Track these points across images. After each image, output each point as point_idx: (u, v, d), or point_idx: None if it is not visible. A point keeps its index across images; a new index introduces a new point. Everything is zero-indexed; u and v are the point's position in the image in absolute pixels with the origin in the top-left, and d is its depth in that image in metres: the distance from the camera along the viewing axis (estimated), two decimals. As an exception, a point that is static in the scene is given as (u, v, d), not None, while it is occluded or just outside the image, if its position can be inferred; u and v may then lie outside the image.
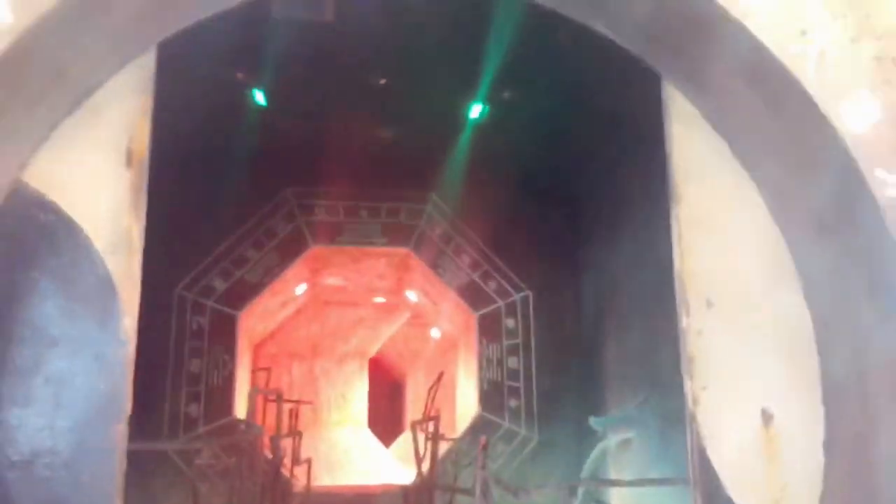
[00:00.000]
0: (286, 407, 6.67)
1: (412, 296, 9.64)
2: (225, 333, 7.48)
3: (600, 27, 2.79)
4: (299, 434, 6.69)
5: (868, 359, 2.49)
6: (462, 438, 7.90)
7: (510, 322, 8.25)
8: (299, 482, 6.75)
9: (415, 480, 7.21)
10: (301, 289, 9.08)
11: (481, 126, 7.04)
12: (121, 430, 2.23)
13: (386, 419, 12.67)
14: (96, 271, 2.31)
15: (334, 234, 8.02)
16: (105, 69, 2.40)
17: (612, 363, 7.22)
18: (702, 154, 2.83)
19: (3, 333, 2.20)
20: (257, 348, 9.55)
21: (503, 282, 8.23)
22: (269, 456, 5.76)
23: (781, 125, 2.56)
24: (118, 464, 2.19)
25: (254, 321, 8.40)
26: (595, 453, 6.49)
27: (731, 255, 2.76)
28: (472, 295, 8.23)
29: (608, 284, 7.18)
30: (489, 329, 8.32)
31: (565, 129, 6.43)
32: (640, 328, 6.20)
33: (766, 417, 2.66)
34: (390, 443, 11.78)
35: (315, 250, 7.99)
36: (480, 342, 8.35)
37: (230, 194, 6.98)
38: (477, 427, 8.16)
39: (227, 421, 6.99)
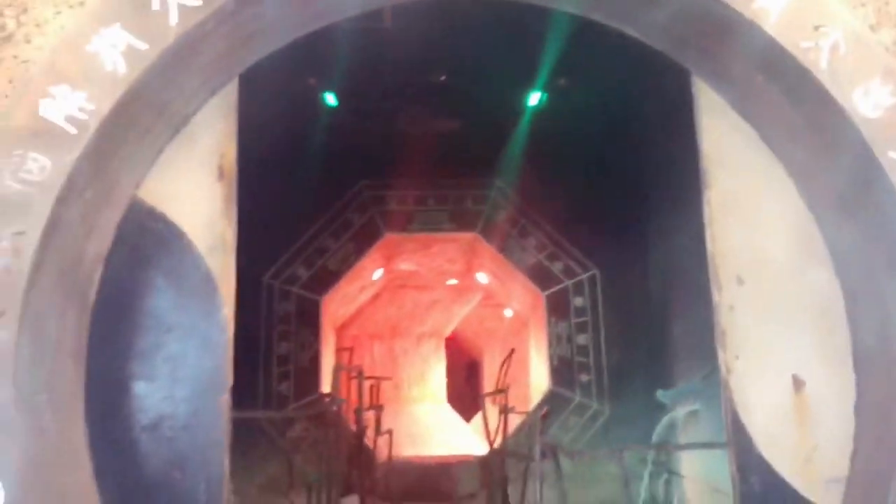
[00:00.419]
0: (367, 383, 7.17)
1: (482, 278, 10.00)
2: (310, 317, 8.09)
3: (631, 32, 3.02)
4: (380, 407, 7.20)
5: (893, 329, 2.66)
6: (534, 412, 8.23)
7: (578, 300, 8.46)
8: (382, 452, 7.28)
9: (489, 450, 7.62)
10: (377, 274, 9.60)
11: (541, 112, 7.27)
12: (225, 399, 2.70)
13: (464, 395, 13.14)
14: (199, 269, 2.79)
15: (405, 223, 8.46)
16: (197, 101, 2.85)
17: (679, 338, 7.33)
18: (730, 141, 3.03)
19: (130, 322, 2.71)
20: (340, 330, 10.18)
21: (570, 261, 8.44)
22: (354, 428, 6.28)
23: (801, 113, 2.73)
24: (225, 427, 2.67)
25: (335, 306, 8.99)
26: (663, 424, 6.68)
27: (759, 235, 2.96)
28: (540, 275, 8.49)
29: (673, 262, 7.29)
30: (558, 307, 8.57)
31: (621, 115, 6.57)
32: (704, 303, 6.31)
33: (798, 384, 2.87)
34: (470, 418, 12.26)
35: (388, 238, 8.46)
36: (549, 320, 8.62)
37: (308, 190, 7.50)
38: (548, 401, 8.48)
39: (315, 397, 7.60)
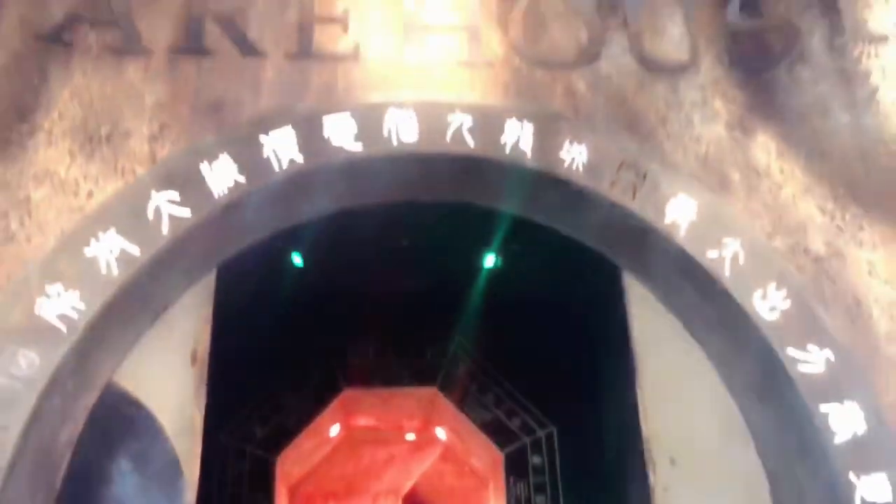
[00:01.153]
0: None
1: (441, 433, 9.98)
2: (263, 478, 7.89)
3: (567, 232, 3.48)
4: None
5: (809, 508, 2.91)
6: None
7: (536, 459, 8.49)
8: None
9: None
10: (335, 430, 9.51)
11: (496, 273, 7.75)
12: None
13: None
14: (166, 454, 2.92)
15: (365, 377, 8.57)
16: (178, 291, 3.13)
17: (637, 498, 7.38)
18: (658, 330, 3.41)
19: None
20: (293, 489, 9.86)
21: (527, 417, 8.57)
22: None
23: (713, 310, 3.15)
24: None
25: (290, 464, 8.81)
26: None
27: (688, 418, 3.26)
28: (499, 432, 8.56)
29: (625, 422, 7.50)
30: (516, 466, 8.56)
31: (572, 277, 7.06)
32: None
33: None
34: (428, 584, 11.60)
35: (347, 393, 8.51)
36: (508, 480, 8.59)
37: (268, 347, 7.64)
38: (510, 567, 8.22)
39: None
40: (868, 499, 2.69)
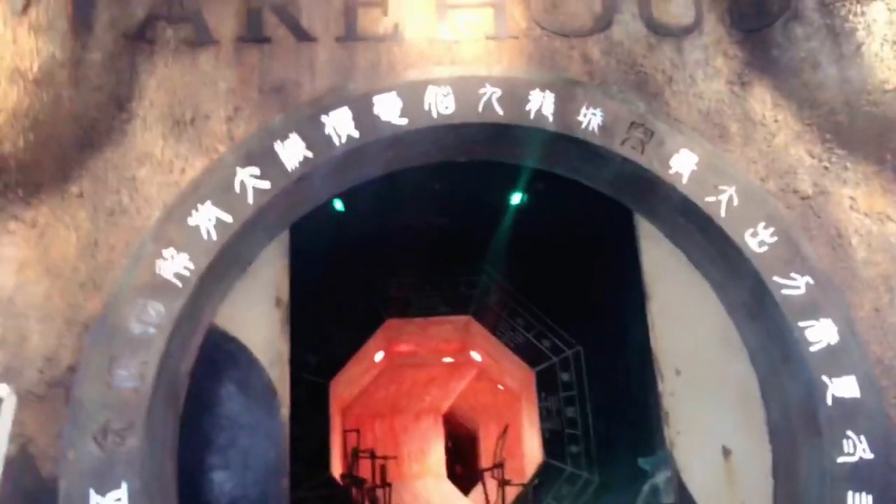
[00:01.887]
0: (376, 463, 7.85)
1: (476, 356, 10.79)
2: (319, 401, 8.80)
3: (584, 182, 4.00)
4: (389, 485, 7.85)
5: (790, 408, 3.52)
6: (529, 483, 8.87)
7: (565, 376, 9.25)
8: (391, 527, 7.88)
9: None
10: (379, 356, 10.37)
11: (523, 210, 8.27)
12: (285, 482, 3.49)
13: (465, 469, 13.66)
14: (262, 380, 3.62)
15: (405, 308, 9.31)
16: (260, 247, 3.75)
17: (655, 408, 8.10)
18: (665, 262, 3.96)
19: (212, 423, 3.52)
20: (345, 410, 10.84)
21: (556, 340, 9.28)
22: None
23: (712, 245, 3.68)
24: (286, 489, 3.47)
25: (341, 388, 9.71)
26: (645, 491, 7.37)
27: (691, 335, 3.84)
28: (530, 353, 9.31)
29: (645, 340, 8.13)
30: (547, 383, 9.34)
31: (593, 213, 7.56)
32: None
33: (726, 452, 3.69)
34: (469, 491, 12.75)
35: (389, 323, 9.29)
36: (539, 395, 9.39)
37: (319, 286, 8.37)
38: (542, 472, 9.14)
39: (326, 477, 8.23)
40: (838, 395, 3.28)
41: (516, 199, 8.31)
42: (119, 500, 2.93)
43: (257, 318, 3.72)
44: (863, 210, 3.70)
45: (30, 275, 3.34)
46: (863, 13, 3.69)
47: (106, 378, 3.10)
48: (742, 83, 3.87)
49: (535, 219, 8.32)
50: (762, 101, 3.85)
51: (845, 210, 3.71)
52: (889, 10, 3.67)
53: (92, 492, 2.94)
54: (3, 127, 3.30)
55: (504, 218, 8.60)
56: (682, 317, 3.86)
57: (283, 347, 3.69)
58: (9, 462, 2.99)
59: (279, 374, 3.64)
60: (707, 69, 3.89)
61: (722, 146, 3.76)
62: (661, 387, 3.77)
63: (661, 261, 3.95)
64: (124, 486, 2.95)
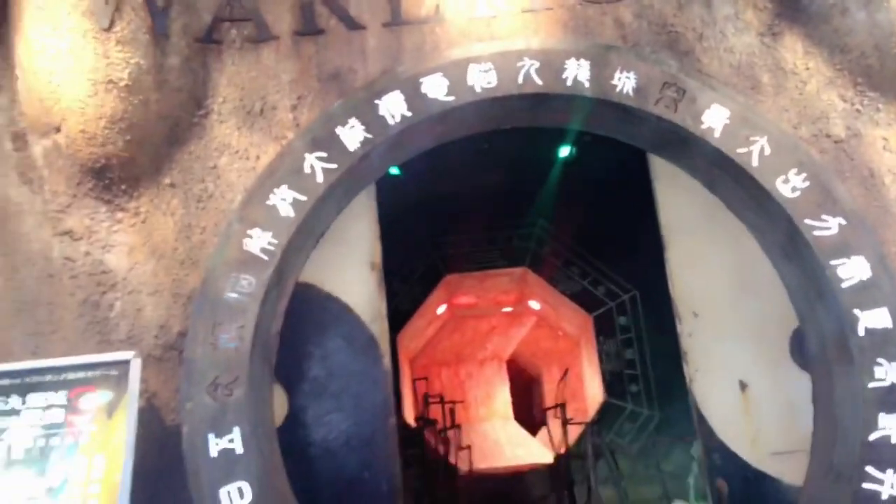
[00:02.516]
0: (446, 407, 8.43)
1: (535, 304, 11.18)
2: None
3: (624, 140, 4.25)
4: (459, 427, 8.44)
5: (826, 340, 3.77)
6: (592, 422, 9.31)
7: (622, 319, 9.54)
8: (463, 466, 8.50)
9: (555, 457, 8.73)
10: (441, 309, 10.90)
11: (572, 163, 8.48)
12: (393, 421, 4.04)
13: (530, 411, 14.25)
14: (365, 334, 4.13)
15: (463, 263, 9.74)
16: (330, 220, 4.19)
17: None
18: (681, 214, 4.23)
19: (326, 373, 4.06)
20: (412, 361, 11.50)
21: (611, 285, 9.56)
22: (439, 446, 7.54)
23: (746, 193, 3.90)
24: (394, 440, 3.99)
25: (408, 340, 10.32)
26: (695, 470, 7.64)
27: (707, 280, 4.12)
28: (586, 299, 9.62)
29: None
30: (605, 327, 9.66)
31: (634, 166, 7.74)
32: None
33: (743, 386, 4.00)
34: (535, 432, 13.34)
35: (449, 278, 9.75)
36: (598, 339, 9.74)
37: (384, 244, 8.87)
38: (604, 411, 9.55)
39: (400, 421, 8.89)
40: (870, 326, 3.52)
41: (564, 152, 8.54)
42: (233, 440, 3.49)
43: (357, 281, 4.23)
44: (895, 149, 3.84)
45: (138, 256, 3.89)
46: (892, -45, 3.75)
47: (211, 340, 3.63)
48: (773, 34, 4.02)
49: (584, 171, 8.53)
50: (793, 50, 4.00)
51: (878, 150, 3.86)
52: (918, -49, 3.72)
53: (211, 436, 3.50)
54: (104, 131, 3.80)
55: (552, 172, 8.85)
56: (698, 264, 4.15)
57: (381, 305, 4.19)
58: (139, 413, 3.57)
59: (379, 329, 4.15)
60: (737, 23, 4.04)
61: (754, 97, 3.95)
62: (679, 328, 4.07)
63: (676, 212, 4.24)
64: (236, 429, 3.51)
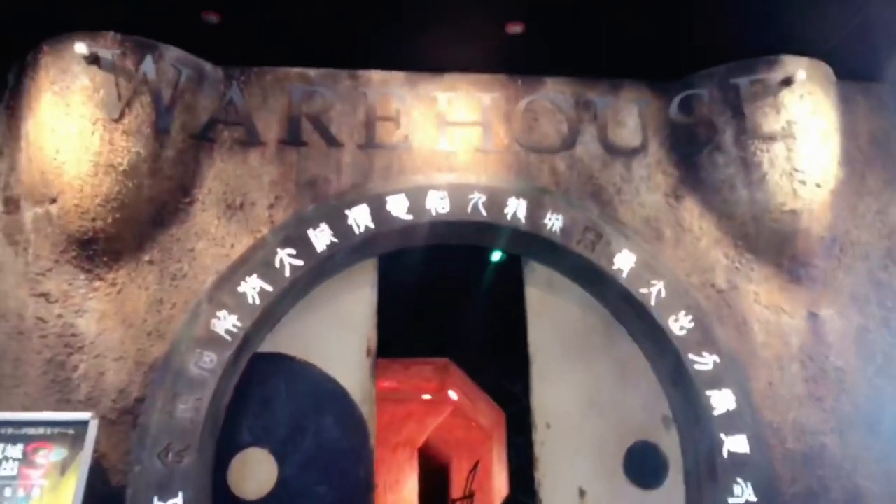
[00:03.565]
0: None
1: (453, 394, 11.67)
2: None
3: (549, 267, 4.98)
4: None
5: (699, 457, 4.47)
6: (495, 514, 9.67)
7: (533, 417, 10.10)
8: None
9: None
10: (364, 391, 11.18)
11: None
12: (372, 496, 4.34)
13: (435, 499, 14.40)
14: (356, 415, 4.48)
15: (390, 349, 10.17)
16: (290, 307, 4.67)
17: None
18: (545, 335, 4.82)
19: (317, 447, 4.35)
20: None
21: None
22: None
23: (645, 325, 4.66)
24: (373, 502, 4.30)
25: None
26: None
27: (561, 396, 4.71)
28: (501, 395, 10.19)
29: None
30: (518, 423, 10.20)
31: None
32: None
33: (582, 493, 4.58)
34: (439, 522, 13.47)
35: (379, 361, 10.12)
36: (508, 435, 10.26)
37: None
38: (508, 505, 9.93)
39: None
40: (732, 450, 4.25)
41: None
42: (176, 505, 3.80)
43: (352, 365, 4.61)
44: (763, 303, 4.73)
45: (108, 323, 4.24)
46: (767, 150, 4.75)
47: (169, 409, 3.99)
48: (676, 196, 4.92)
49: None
50: (691, 211, 4.90)
51: (750, 302, 4.73)
52: (787, 149, 4.73)
53: (155, 498, 3.80)
54: (97, 208, 4.23)
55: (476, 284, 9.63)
56: (555, 381, 4.74)
57: (371, 388, 4.56)
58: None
59: (369, 411, 4.52)
60: (649, 183, 4.93)
61: (658, 247, 4.78)
62: (534, 437, 4.62)
63: (541, 334, 4.84)
64: (180, 494, 3.83)
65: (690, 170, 4.96)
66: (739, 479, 4.17)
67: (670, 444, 4.62)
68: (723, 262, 4.81)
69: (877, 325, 4.77)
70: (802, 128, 4.74)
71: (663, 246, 4.80)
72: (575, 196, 4.81)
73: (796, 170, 4.70)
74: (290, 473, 4.33)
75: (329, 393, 4.50)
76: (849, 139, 5.03)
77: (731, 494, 4.15)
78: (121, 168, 4.26)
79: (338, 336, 4.61)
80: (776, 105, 4.77)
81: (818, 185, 4.74)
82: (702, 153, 4.93)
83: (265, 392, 4.46)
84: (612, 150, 4.97)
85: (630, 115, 5.06)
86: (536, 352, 4.75)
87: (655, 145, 5.02)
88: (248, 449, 4.36)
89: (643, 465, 4.57)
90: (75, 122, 4.21)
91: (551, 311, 4.85)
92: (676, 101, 5.02)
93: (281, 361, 4.52)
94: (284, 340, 4.58)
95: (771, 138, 4.75)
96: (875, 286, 4.86)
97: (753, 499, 4.15)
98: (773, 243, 4.76)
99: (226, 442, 4.31)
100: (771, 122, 4.77)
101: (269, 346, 4.57)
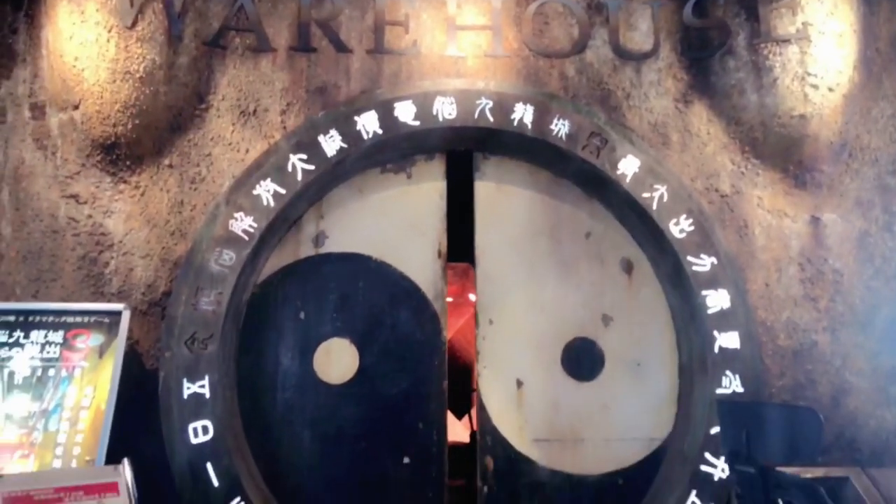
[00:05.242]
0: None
1: (473, 297, 12.05)
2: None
3: (553, 175, 5.07)
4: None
5: (692, 353, 4.70)
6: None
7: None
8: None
9: (470, 437, 9.58)
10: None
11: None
12: (445, 384, 4.67)
13: (460, 393, 15.11)
14: (429, 309, 4.77)
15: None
16: (302, 211, 4.89)
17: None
18: (490, 239, 4.90)
19: (394, 340, 4.69)
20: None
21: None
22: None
23: (647, 229, 4.78)
24: (444, 400, 4.63)
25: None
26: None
27: (504, 294, 4.85)
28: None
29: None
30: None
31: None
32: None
33: (518, 384, 4.80)
34: (461, 416, 14.20)
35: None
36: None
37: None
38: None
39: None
40: (723, 346, 4.46)
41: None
42: (203, 386, 4.19)
43: (425, 265, 4.86)
44: (766, 207, 4.80)
45: (134, 224, 4.53)
46: (780, 53, 4.67)
47: (192, 302, 4.32)
48: (685, 101, 4.92)
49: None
50: (699, 116, 4.90)
51: (753, 207, 4.81)
52: (801, 52, 4.65)
53: (185, 380, 4.19)
54: (116, 114, 4.42)
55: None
56: (498, 281, 4.90)
57: (443, 287, 4.83)
58: (124, 356, 4.22)
59: (441, 307, 4.80)
60: (658, 88, 4.92)
61: (664, 152, 4.83)
62: (477, 332, 4.81)
63: (487, 239, 4.94)
64: (206, 377, 4.21)
65: (701, 74, 4.92)
66: (728, 372, 4.40)
67: (608, 341, 4.83)
68: (728, 168, 4.85)
69: (879, 229, 4.82)
70: (818, 30, 4.63)
71: (669, 151, 4.85)
72: (583, 101, 4.83)
73: (809, 73, 4.64)
74: (370, 362, 4.72)
75: (404, 290, 4.81)
76: (867, 41, 4.89)
77: (720, 385, 4.39)
78: (137, 75, 4.40)
79: (411, 239, 4.86)
80: (792, 6, 4.65)
81: (830, 90, 4.68)
82: (713, 57, 4.88)
83: (345, 288, 4.79)
84: (623, 55, 4.93)
85: (643, 18, 4.98)
86: (482, 255, 4.91)
87: (667, 49, 4.96)
88: (332, 339, 4.72)
89: (580, 359, 4.80)
90: (91, 30, 4.34)
91: (500, 216, 4.95)
92: (691, 2, 4.91)
93: (359, 261, 4.82)
94: (361, 242, 4.84)
95: (785, 41, 4.66)
96: (881, 191, 4.87)
97: (741, 389, 4.38)
98: (781, 149, 4.77)
99: (310, 333, 4.71)
100: (786, 24, 4.67)
101: (347, 246, 4.84)
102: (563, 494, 4.63)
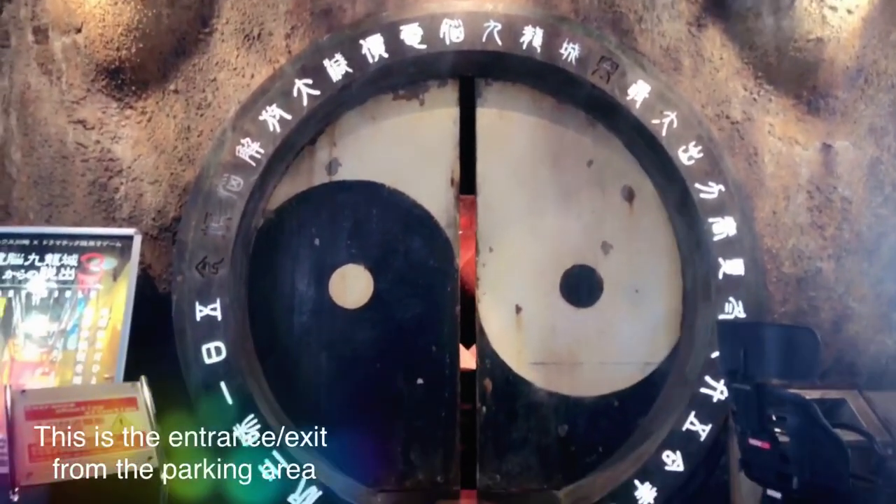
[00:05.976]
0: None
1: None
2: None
3: (561, 100, 5.00)
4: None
5: (697, 279, 4.73)
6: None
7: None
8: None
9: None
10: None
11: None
12: (457, 309, 4.77)
13: (467, 322, 15.35)
14: (442, 236, 4.81)
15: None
16: (308, 137, 4.87)
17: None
18: (491, 169, 4.87)
19: (408, 265, 4.76)
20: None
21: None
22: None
23: (655, 156, 4.74)
24: (457, 325, 4.74)
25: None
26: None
27: (503, 223, 4.86)
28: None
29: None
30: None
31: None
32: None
33: (517, 309, 4.86)
34: (470, 345, 14.49)
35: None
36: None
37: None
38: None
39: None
40: (727, 272, 4.49)
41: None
42: (215, 309, 4.30)
43: (438, 193, 4.87)
44: (777, 134, 4.74)
45: (142, 150, 4.55)
46: (799, -26, 4.52)
47: (202, 227, 4.37)
48: (699, 25, 4.79)
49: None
50: (713, 41, 4.79)
51: (764, 134, 4.75)
52: (820, -28, 4.50)
53: (197, 304, 4.30)
54: (120, 37, 4.37)
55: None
56: (499, 209, 4.89)
57: (456, 214, 4.85)
58: (137, 280, 4.31)
59: (453, 234, 4.85)
60: (672, 11, 4.79)
61: (675, 77, 4.74)
62: (478, 259, 4.86)
63: (488, 168, 4.91)
64: (218, 300, 4.31)
65: (716, -5, 4.77)
66: (731, 299, 4.45)
67: (607, 268, 4.87)
68: (740, 94, 4.77)
69: (891, 156, 4.76)
70: (840, -53, 4.46)
71: (681, 77, 4.76)
72: (594, 24, 4.72)
73: (828, -6, 4.49)
74: (384, 287, 4.82)
75: (417, 218, 4.84)
76: (890, -40, 4.72)
77: (723, 311, 4.45)
78: (139, -3, 4.33)
79: (424, 167, 4.85)
80: (815, -79, 4.46)
81: (849, 12, 4.55)
82: (730, -23, 4.72)
83: (359, 215, 4.84)
84: (636, -26, 4.78)
85: (657, -65, 4.79)
86: (483, 184, 4.89)
87: (682, -31, 4.79)
88: (347, 265, 4.80)
89: (578, 286, 4.86)
90: (91, -51, 4.25)
91: (501, 143, 4.92)
92: (708, -83, 4.72)
93: (372, 188, 4.85)
94: (374, 170, 4.85)
95: (804, -41, 4.49)
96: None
97: (743, 315, 4.44)
98: (795, 74, 4.67)
99: (325, 259, 4.80)
100: (806, -59, 4.49)
101: (360, 174, 4.86)
102: (560, 415, 4.78)
